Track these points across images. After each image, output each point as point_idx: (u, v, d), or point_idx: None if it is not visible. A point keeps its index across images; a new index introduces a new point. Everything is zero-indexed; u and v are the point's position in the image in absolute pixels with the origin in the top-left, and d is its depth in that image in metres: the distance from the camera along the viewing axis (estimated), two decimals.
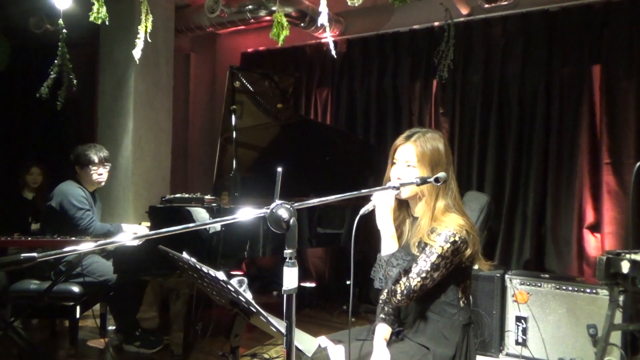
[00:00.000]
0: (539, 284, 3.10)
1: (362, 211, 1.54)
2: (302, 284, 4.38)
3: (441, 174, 1.52)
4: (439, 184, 1.53)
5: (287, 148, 3.68)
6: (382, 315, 1.77)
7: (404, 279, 1.55)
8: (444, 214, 1.60)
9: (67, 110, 3.71)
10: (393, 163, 1.68)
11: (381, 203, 1.59)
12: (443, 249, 1.54)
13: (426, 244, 1.57)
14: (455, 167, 4.09)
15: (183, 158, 5.32)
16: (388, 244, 1.60)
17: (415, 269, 1.55)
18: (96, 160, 3.14)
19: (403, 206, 1.73)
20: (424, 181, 1.52)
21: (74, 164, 3.14)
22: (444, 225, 1.56)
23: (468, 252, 1.57)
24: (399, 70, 4.45)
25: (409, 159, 1.63)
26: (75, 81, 3.35)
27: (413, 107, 4.40)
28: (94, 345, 3.19)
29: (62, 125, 5.17)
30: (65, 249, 0.96)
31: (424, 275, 1.54)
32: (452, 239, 1.54)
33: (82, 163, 3.12)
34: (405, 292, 1.55)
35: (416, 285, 1.54)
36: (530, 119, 3.85)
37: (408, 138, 1.65)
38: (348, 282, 4.32)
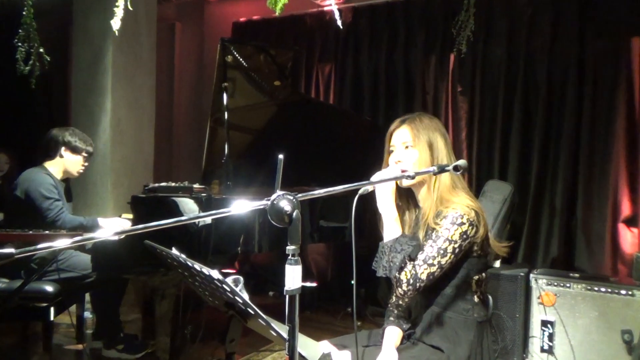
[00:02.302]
0: (568, 285, 3.12)
1: (361, 191, 1.57)
2: (302, 284, 4.41)
3: (461, 162, 1.53)
4: (458, 173, 1.54)
5: (285, 131, 3.68)
6: (391, 318, 1.80)
7: (409, 267, 1.58)
8: (449, 195, 1.65)
9: (36, 88, 3.71)
10: (390, 151, 1.75)
11: (382, 184, 1.64)
12: (450, 231, 1.58)
13: (433, 229, 1.61)
14: (474, 152, 4.15)
15: (168, 142, 5.33)
16: (391, 228, 1.64)
17: (421, 256, 1.59)
18: (91, 150, 3.24)
19: (405, 193, 1.77)
20: (441, 170, 1.53)
21: (58, 146, 3.14)
22: (451, 207, 1.61)
23: (478, 236, 1.61)
24: (412, 43, 4.42)
25: (406, 139, 1.71)
26: (46, 56, 3.35)
27: (427, 85, 4.39)
28: (70, 349, 3.22)
29: (31, 106, 5.16)
30: (43, 245, 0.97)
31: (430, 261, 1.57)
32: (459, 221, 1.58)
33: (77, 149, 3.15)
34: (411, 280, 1.57)
35: (423, 273, 1.58)
36: (560, 99, 3.84)
37: (402, 122, 1.76)
38: (353, 282, 4.34)
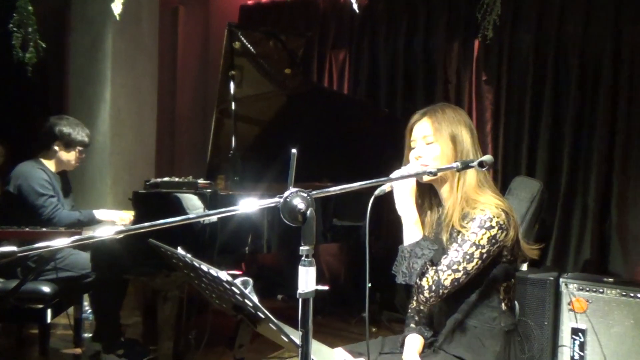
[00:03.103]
0: (601, 290, 3.10)
1: (377, 192, 1.57)
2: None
3: (486, 157, 1.53)
4: (484, 169, 1.54)
5: (296, 122, 3.68)
6: (412, 325, 1.81)
7: (431, 272, 1.58)
8: (475, 194, 1.63)
9: (32, 77, 3.75)
10: (411, 147, 1.74)
11: (401, 183, 1.63)
12: (477, 236, 1.56)
13: (458, 232, 1.60)
14: (500, 146, 4.14)
15: (170, 134, 5.36)
16: (411, 231, 1.64)
17: (445, 261, 1.58)
18: (87, 141, 3.25)
19: (426, 191, 1.76)
20: (465, 165, 1.53)
21: (51, 139, 3.18)
22: (479, 208, 1.59)
23: (508, 239, 1.60)
24: (433, 28, 4.41)
25: (427, 133, 1.70)
26: (41, 42, 3.38)
27: (449, 73, 4.37)
28: (68, 353, 3.26)
29: (26, 96, 5.21)
30: (45, 243, 0.99)
31: (455, 267, 1.57)
32: (488, 224, 1.56)
33: (70, 143, 3.18)
34: (434, 287, 1.57)
35: (446, 279, 1.57)
36: (593, 89, 3.81)
37: (423, 114, 1.74)
38: (370, 285, 4.35)
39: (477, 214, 1.58)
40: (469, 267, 1.57)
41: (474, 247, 1.56)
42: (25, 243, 1.69)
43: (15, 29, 3.31)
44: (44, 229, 2.76)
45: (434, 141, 1.68)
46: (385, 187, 1.62)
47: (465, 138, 1.68)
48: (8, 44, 3.43)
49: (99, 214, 3.28)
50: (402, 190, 1.64)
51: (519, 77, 4.09)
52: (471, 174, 1.65)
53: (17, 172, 3.10)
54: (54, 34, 4.81)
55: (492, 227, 1.56)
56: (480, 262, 1.57)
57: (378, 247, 3.38)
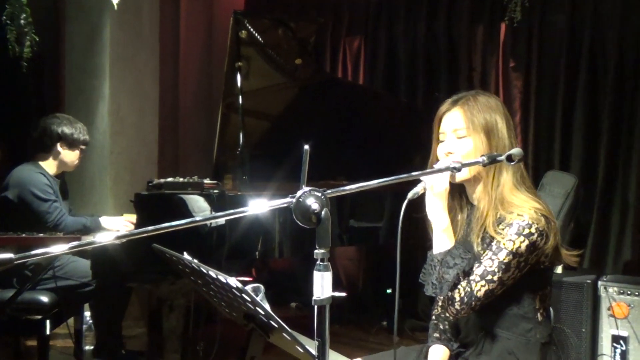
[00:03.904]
0: None
1: (411, 195, 1.56)
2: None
3: (514, 150, 1.52)
4: (512, 163, 1.52)
5: (309, 116, 3.69)
6: (436, 334, 1.79)
7: (463, 283, 1.57)
8: (511, 195, 1.60)
9: (26, 72, 3.78)
10: (439, 140, 1.70)
11: (434, 186, 1.61)
12: (515, 244, 1.54)
13: (492, 238, 1.58)
14: (530, 138, 4.11)
15: (174, 131, 5.38)
16: (442, 239, 1.62)
17: (478, 270, 1.56)
18: (88, 139, 3.32)
19: (456, 191, 1.74)
20: (492, 160, 1.52)
21: (53, 141, 3.21)
22: (515, 213, 1.56)
23: (548, 246, 1.57)
24: (455, 11, 4.40)
25: (458, 126, 1.65)
26: (34, 35, 3.41)
27: (474, 60, 4.36)
28: None
29: (19, 93, 5.26)
30: (43, 250, 1.00)
31: (489, 277, 1.55)
32: (526, 231, 1.54)
33: (73, 143, 3.23)
34: (465, 299, 1.56)
35: (479, 290, 1.55)
36: (633, 75, 3.77)
37: (454, 102, 1.69)
38: (389, 291, 4.36)
39: (515, 220, 1.55)
40: (505, 277, 1.55)
41: (510, 256, 1.54)
42: (22, 250, 1.72)
43: (8, 21, 3.34)
44: (41, 235, 2.79)
45: (466, 135, 1.64)
46: (418, 189, 1.59)
47: (501, 130, 1.64)
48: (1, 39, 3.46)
49: (105, 221, 3.31)
50: (435, 193, 1.61)
51: (551, 62, 4.06)
52: (507, 173, 1.61)
53: (16, 178, 3.13)
54: (48, 26, 4.86)
55: (531, 234, 1.54)
56: (517, 271, 1.55)
57: (400, 251, 3.38)
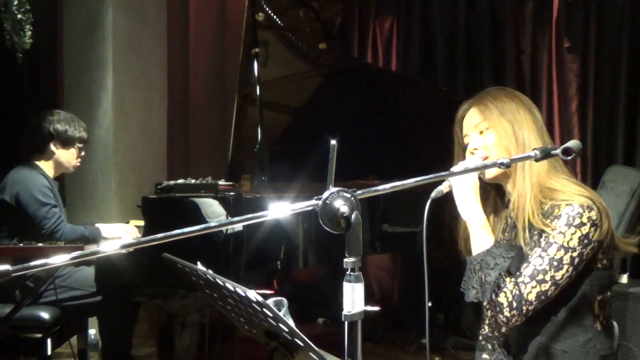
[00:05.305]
0: None
1: (434, 194, 1.59)
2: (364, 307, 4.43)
3: (572, 143, 1.49)
4: (569, 158, 1.50)
5: (335, 108, 3.69)
6: (485, 355, 1.79)
7: (510, 286, 1.57)
8: (550, 180, 1.62)
9: (22, 64, 3.84)
10: (463, 144, 1.76)
11: (459, 181, 1.64)
12: (565, 236, 1.55)
13: (540, 233, 1.59)
14: (589, 129, 4.06)
15: (184, 127, 5.42)
16: (479, 238, 1.64)
17: (527, 270, 1.57)
18: (86, 137, 3.34)
19: (490, 190, 1.77)
20: (546, 154, 1.49)
21: (49, 139, 3.26)
22: (562, 200, 1.57)
23: (602, 235, 1.57)
24: None
25: (477, 121, 1.72)
26: (31, 24, 3.45)
27: (522, 41, 4.33)
28: None
29: (14, 87, 5.34)
30: (43, 261, 1.02)
31: (540, 277, 1.55)
32: (577, 221, 1.55)
33: (68, 141, 3.27)
34: (515, 304, 1.56)
35: (530, 292, 1.56)
36: None
37: (470, 104, 1.77)
38: (430, 304, 4.33)
39: (564, 209, 1.57)
40: (558, 275, 1.55)
41: (562, 251, 1.55)
42: (21, 261, 1.75)
43: (2, 8, 3.39)
44: (40, 245, 2.83)
45: (487, 127, 1.70)
46: (443, 187, 1.63)
47: (525, 119, 1.68)
48: None
49: (105, 230, 3.34)
50: (463, 189, 1.64)
51: (611, 42, 4.03)
52: (541, 162, 1.62)
53: (13, 179, 3.18)
54: (45, 12, 4.93)
55: (582, 224, 1.55)
56: (571, 268, 1.56)
57: (439, 258, 3.36)
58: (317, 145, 1.54)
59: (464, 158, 1.75)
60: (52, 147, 3.26)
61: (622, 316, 3.13)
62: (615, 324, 1.75)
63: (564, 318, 1.63)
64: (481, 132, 1.71)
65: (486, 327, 1.82)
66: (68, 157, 3.30)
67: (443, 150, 4.01)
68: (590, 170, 3.97)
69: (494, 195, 1.78)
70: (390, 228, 3.34)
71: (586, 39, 4.09)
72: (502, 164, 1.50)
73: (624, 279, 3.27)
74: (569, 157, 1.51)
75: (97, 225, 3.37)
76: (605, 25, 4.04)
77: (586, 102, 4.10)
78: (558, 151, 1.50)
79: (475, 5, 4.47)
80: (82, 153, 3.38)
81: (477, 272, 1.61)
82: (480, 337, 1.83)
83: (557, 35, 4.21)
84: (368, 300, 1.18)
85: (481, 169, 1.61)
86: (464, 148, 1.76)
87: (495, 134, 1.68)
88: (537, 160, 1.52)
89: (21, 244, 2.79)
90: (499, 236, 1.74)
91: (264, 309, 1.25)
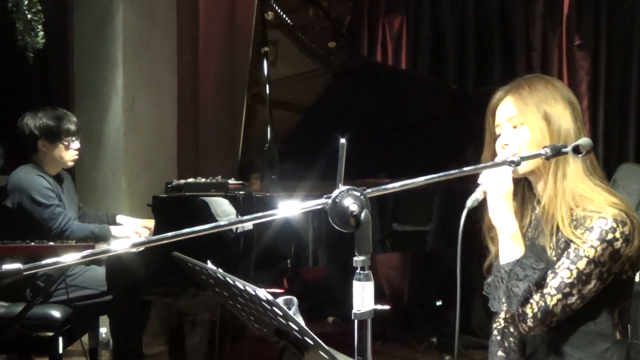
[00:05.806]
0: None
1: (470, 203, 1.55)
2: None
3: (582, 140, 1.49)
4: (580, 155, 1.49)
5: (345, 107, 3.69)
6: (501, 353, 1.76)
7: (536, 297, 1.55)
8: (584, 187, 1.58)
9: (32, 64, 3.85)
10: (495, 133, 1.69)
11: (495, 187, 1.58)
12: (597, 251, 1.51)
13: (569, 242, 1.55)
14: (600, 127, 4.04)
15: (194, 126, 5.43)
16: (509, 247, 1.60)
17: (554, 282, 1.54)
18: (73, 128, 3.30)
19: (520, 187, 1.73)
20: (556, 152, 1.48)
21: (35, 138, 3.27)
22: (594, 212, 1.53)
23: (632, 251, 1.54)
24: None
25: (511, 114, 1.65)
26: (42, 24, 3.47)
27: (532, 37, 4.32)
28: None
29: (24, 87, 5.36)
30: (54, 260, 1.03)
31: (567, 290, 1.53)
32: (610, 236, 1.51)
33: (54, 136, 3.27)
34: (539, 315, 1.54)
35: (556, 304, 1.53)
36: None
37: (506, 92, 1.70)
38: (438, 303, 4.33)
39: (596, 222, 1.52)
40: (585, 290, 1.53)
41: (592, 265, 1.52)
42: (32, 260, 1.76)
43: (14, 8, 3.41)
44: (51, 243, 2.85)
45: (521, 123, 1.64)
46: (478, 195, 1.58)
47: (563, 115, 1.62)
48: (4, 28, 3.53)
49: (115, 230, 3.35)
50: (498, 196, 1.59)
51: (622, 39, 4.01)
52: (574, 162, 1.59)
53: (14, 183, 3.19)
54: (55, 12, 4.95)
55: (615, 239, 1.51)
56: (599, 282, 1.53)
57: (448, 255, 3.35)
58: (326, 144, 1.53)
59: (494, 147, 1.70)
60: (41, 145, 3.26)
61: (634, 315, 3.10)
62: (628, 325, 1.73)
63: (584, 326, 1.60)
64: (515, 127, 1.64)
65: (501, 321, 1.79)
66: (59, 152, 3.28)
67: (453, 148, 4.01)
68: (601, 168, 3.95)
69: (523, 185, 1.73)
70: (400, 227, 3.33)
71: (597, 36, 4.08)
72: (512, 162, 1.49)
73: (636, 277, 3.25)
74: (580, 155, 1.50)
75: (109, 226, 3.38)
76: (616, 23, 4.02)
77: (597, 100, 4.08)
78: (568, 149, 1.48)
79: (485, 2, 4.45)
80: (76, 146, 3.34)
81: (504, 281, 1.58)
82: (495, 332, 1.79)
83: (567, 32, 4.20)
84: (378, 299, 1.18)
85: (490, 167, 1.55)
86: (494, 138, 1.70)
87: (530, 131, 1.62)
88: (547, 158, 1.49)
89: (32, 243, 2.80)
90: (523, 231, 1.69)
91: (274, 308, 1.25)
